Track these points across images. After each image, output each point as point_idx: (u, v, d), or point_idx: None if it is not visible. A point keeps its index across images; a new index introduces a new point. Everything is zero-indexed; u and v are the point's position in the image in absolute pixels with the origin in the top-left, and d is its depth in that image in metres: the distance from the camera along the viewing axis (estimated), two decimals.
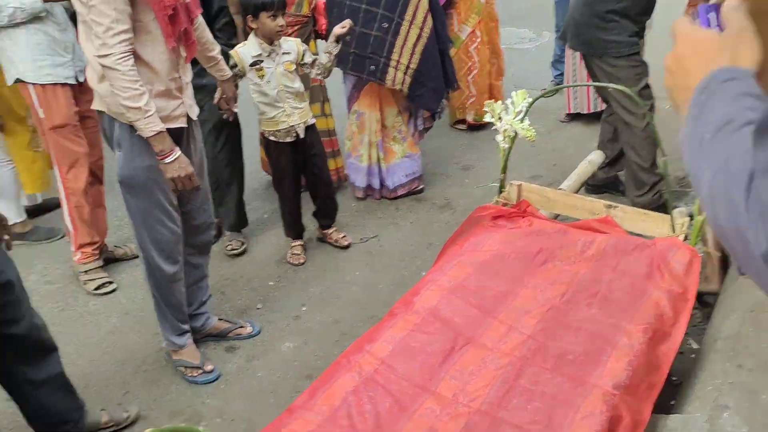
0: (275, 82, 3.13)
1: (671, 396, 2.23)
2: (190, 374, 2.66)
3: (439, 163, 4.41)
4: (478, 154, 4.46)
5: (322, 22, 3.70)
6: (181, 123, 2.39)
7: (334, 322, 2.96)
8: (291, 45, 3.17)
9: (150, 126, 2.20)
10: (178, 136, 2.37)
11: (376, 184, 3.96)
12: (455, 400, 1.82)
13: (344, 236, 3.58)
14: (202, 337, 2.85)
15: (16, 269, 2.08)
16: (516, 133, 2.57)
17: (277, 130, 3.20)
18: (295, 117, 3.20)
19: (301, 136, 3.23)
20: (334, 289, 3.21)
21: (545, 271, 2.33)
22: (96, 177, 3.30)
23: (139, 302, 3.13)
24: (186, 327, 2.70)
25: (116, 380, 2.69)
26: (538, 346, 1.98)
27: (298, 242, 3.50)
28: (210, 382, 2.65)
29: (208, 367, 2.67)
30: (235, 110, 3.06)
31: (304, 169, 3.38)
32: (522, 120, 2.55)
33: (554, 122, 4.82)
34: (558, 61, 5.08)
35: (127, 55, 2.13)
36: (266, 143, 3.34)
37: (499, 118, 2.60)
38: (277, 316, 3.03)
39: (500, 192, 2.74)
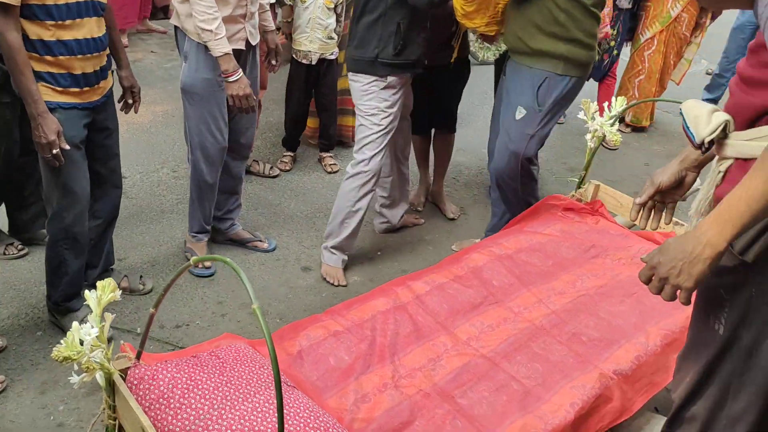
0: (312, 9, 3.70)
1: None
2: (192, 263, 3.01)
3: (550, 162, 4.54)
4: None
5: None
6: (240, 45, 2.71)
7: (402, 271, 3.26)
8: None
9: (219, 47, 2.57)
10: (237, 57, 2.68)
11: None
12: (467, 343, 2.06)
13: (334, 164, 4.17)
14: (224, 240, 3.25)
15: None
16: (604, 135, 2.71)
17: (298, 50, 3.83)
18: (314, 46, 3.79)
19: (313, 62, 3.82)
20: (413, 244, 3.50)
21: (593, 264, 2.49)
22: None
23: None
24: (208, 228, 3.09)
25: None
26: (559, 321, 2.17)
27: (290, 153, 4.16)
28: (203, 276, 2.99)
29: (207, 264, 3.01)
30: (277, 64, 3.16)
31: (315, 94, 4.00)
32: (612, 124, 2.69)
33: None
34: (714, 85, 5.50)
35: None
36: (291, 60, 3.90)
37: (592, 118, 2.75)
38: (355, 254, 3.37)
39: (578, 188, 2.89)
